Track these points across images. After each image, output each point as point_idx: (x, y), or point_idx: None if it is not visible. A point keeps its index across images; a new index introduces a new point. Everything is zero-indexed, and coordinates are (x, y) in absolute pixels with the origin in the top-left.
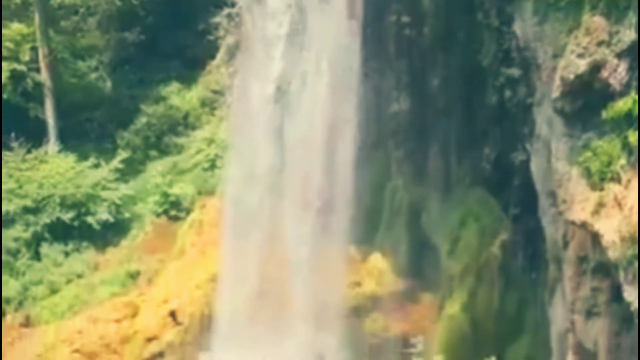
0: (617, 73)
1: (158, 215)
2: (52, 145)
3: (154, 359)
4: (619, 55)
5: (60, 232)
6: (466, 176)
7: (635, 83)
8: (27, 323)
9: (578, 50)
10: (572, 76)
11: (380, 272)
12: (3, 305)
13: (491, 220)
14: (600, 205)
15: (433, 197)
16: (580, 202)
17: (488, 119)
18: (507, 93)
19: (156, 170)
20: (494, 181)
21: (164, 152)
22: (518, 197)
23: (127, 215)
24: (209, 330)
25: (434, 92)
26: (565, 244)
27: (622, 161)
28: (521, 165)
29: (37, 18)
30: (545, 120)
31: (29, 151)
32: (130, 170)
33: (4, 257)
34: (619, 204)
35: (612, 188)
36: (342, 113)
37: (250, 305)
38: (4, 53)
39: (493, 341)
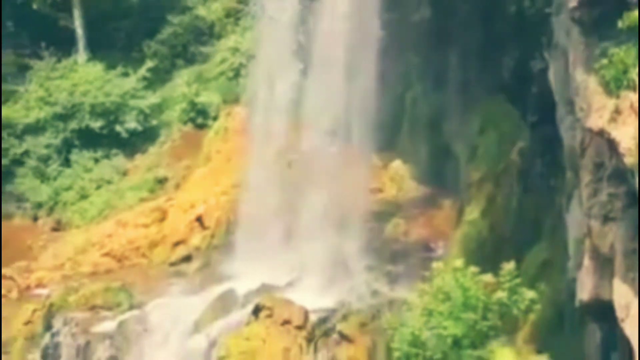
0: None
1: (185, 122)
2: (81, 54)
3: (181, 263)
4: None
5: (89, 139)
6: (485, 84)
7: None
8: (58, 227)
9: None
10: None
11: (401, 178)
12: (35, 210)
13: (510, 127)
14: (617, 112)
15: (453, 105)
16: (597, 109)
17: (507, 29)
18: (526, 2)
19: (182, 79)
20: (513, 89)
21: (189, 61)
22: (536, 105)
23: (154, 123)
24: (234, 234)
25: (455, 2)
26: (583, 151)
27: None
28: (539, 74)
29: None
30: (563, 29)
31: (58, 60)
32: (157, 79)
33: (35, 163)
34: (635, 112)
35: (628, 96)
36: (364, 23)
37: (273, 211)
38: None
39: (512, 246)
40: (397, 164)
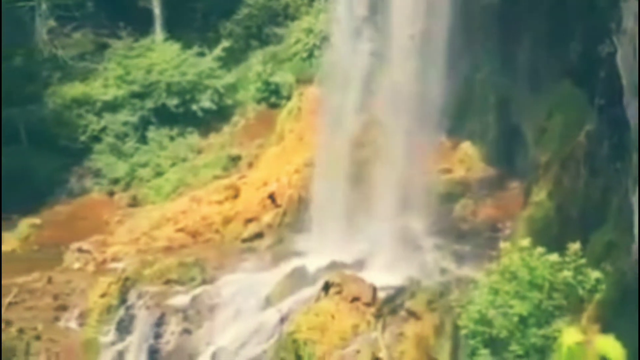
0: None
1: (258, 102)
2: (158, 33)
3: (253, 239)
4: None
5: (166, 118)
6: (553, 68)
7: None
8: (134, 203)
9: None
10: None
11: (470, 159)
12: (112, 186)
13: (577, 110)
14: None
15: (521, 88)
16: None
17: (576, 13)
18: None
19: (257, 59)
20: (581, 73)
21: (264, 42)
22: (604, 89)
23: (229, 102)
24: (305, 212)
25: None
26: None
27: None
28: (607, 58)
29: None
30: (632, 14)
31: (136, 40)
32: (232, 59)
33: (112, 140)
34: None
35: None
36: (435, 6)
37: (343, 190)
38: None
39: (578, 227)
40: (466, 145)
